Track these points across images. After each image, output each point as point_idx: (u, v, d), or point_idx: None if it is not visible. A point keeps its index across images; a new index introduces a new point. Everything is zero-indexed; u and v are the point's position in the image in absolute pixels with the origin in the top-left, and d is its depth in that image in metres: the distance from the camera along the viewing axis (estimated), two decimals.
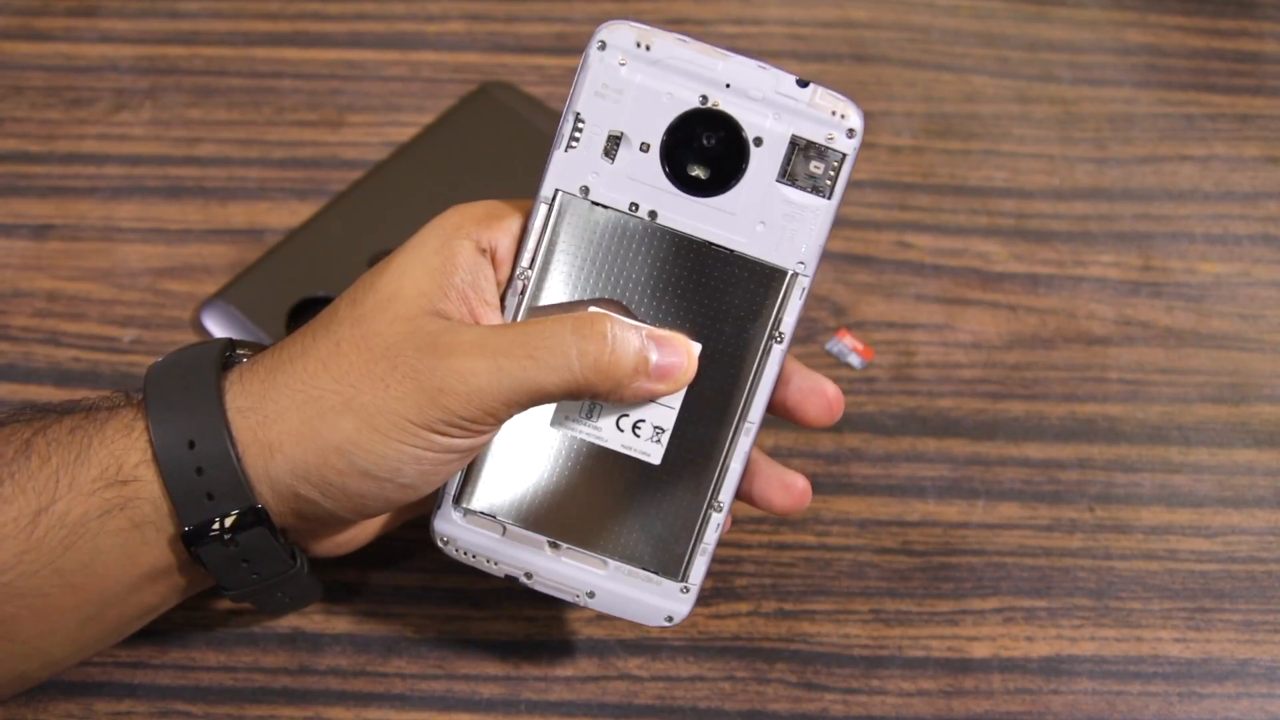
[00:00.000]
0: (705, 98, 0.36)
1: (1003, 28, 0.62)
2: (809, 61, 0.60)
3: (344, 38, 0.59)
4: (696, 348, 0.37)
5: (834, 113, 0.36)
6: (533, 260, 0.37)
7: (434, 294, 0.35)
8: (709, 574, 0.39)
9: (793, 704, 0.44)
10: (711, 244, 0.37)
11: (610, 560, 0.38)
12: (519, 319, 0.37)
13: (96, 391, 0.43)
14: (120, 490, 0.34)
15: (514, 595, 0.45)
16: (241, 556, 0.36)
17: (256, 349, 0.38)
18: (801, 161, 0.36)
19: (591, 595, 0.38)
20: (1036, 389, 0.51)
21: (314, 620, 0.44)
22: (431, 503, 0.39)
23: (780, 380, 0.38)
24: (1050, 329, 0.53)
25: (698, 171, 0.36)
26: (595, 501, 0.38)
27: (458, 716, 0.43)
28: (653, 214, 0.36)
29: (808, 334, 0.52)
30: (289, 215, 0.54)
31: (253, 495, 0.35)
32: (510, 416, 0.35)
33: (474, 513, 0.38)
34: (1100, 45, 0.61)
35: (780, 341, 0.37)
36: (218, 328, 0.50)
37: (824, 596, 0.46)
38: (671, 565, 0.38)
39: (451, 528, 0.38)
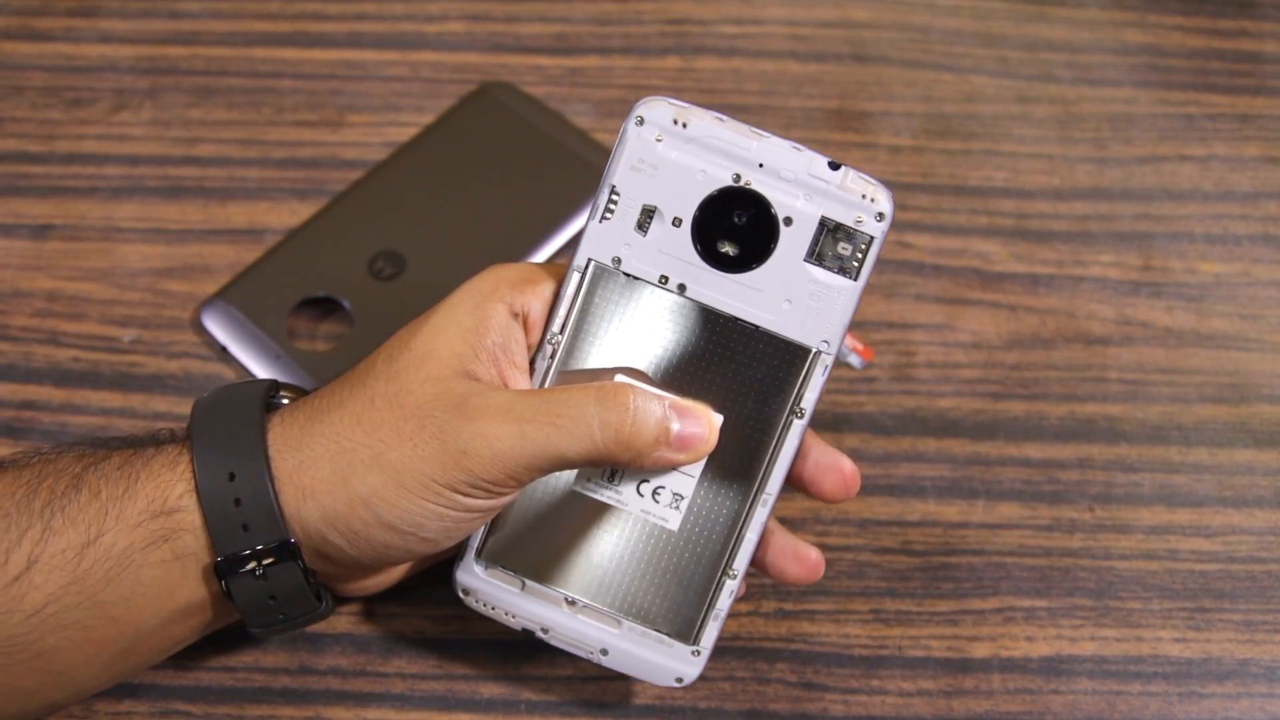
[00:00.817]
0: (738, 176, 0.36)
1: (1003, 28, 0.62)
2: (809, 61, 0.60)
3: (344, 38, 0.59)
4: (718, 419, 0.38)
5: (864, 196, 0.36)
6: (563, 326, 0.38)
7: (466, 355, 0.36)
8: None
9: (793, 704, 0.44)
10: (738, 319, 0.37)
11: (624, 620, 0.39)
12: (547, 383, 0.38)
13: (145, 426, 0.44)
14: (164, 521, 0.36)
15: None
16: (270, 593, 0.36)
17: (298, 392, 0.40)
18: (830, 242, 0.37)
19: (605, 653, 0.39)
20: (1036, 389, 0.51)
21: None
22: (455, 551, 0.40)
23: (799, 454, 0.39)
24: (1050, 329, 0.53)
25: (728, 248, 0.37)
26: (613, 563, 0.39)
27: (458, 716, 0.43)
28: (682, 287, 0.37)
29: None
30: (289, 215, 0.54)
31: (286, 530, 0.36)
32: (531, 480, 0.36)
33: (495, 567, 0.39)
34: (1100, 45, 0.61)
35: (801, 417, 0.38)
36: (218, 328, 0.50)
37: (824, 596, 0.46)
38: (684, 629, 0.39)
39: (473, 580, 0.39)
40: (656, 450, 0.36)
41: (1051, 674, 0.45)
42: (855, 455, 0.49)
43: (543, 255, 0.52)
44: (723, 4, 0.61)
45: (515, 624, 0.39)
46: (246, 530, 0.35)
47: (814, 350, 0.37)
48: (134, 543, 0.35)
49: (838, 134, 0.57)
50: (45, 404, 0.49)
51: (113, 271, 0.52)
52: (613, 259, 0.37)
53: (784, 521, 0.47)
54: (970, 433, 0.50)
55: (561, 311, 0.38)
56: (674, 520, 0.39)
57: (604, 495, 0.39)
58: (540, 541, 0.39)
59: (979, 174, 0.57)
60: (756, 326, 0.37)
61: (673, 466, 0.38)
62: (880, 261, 0.54)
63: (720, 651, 0.44)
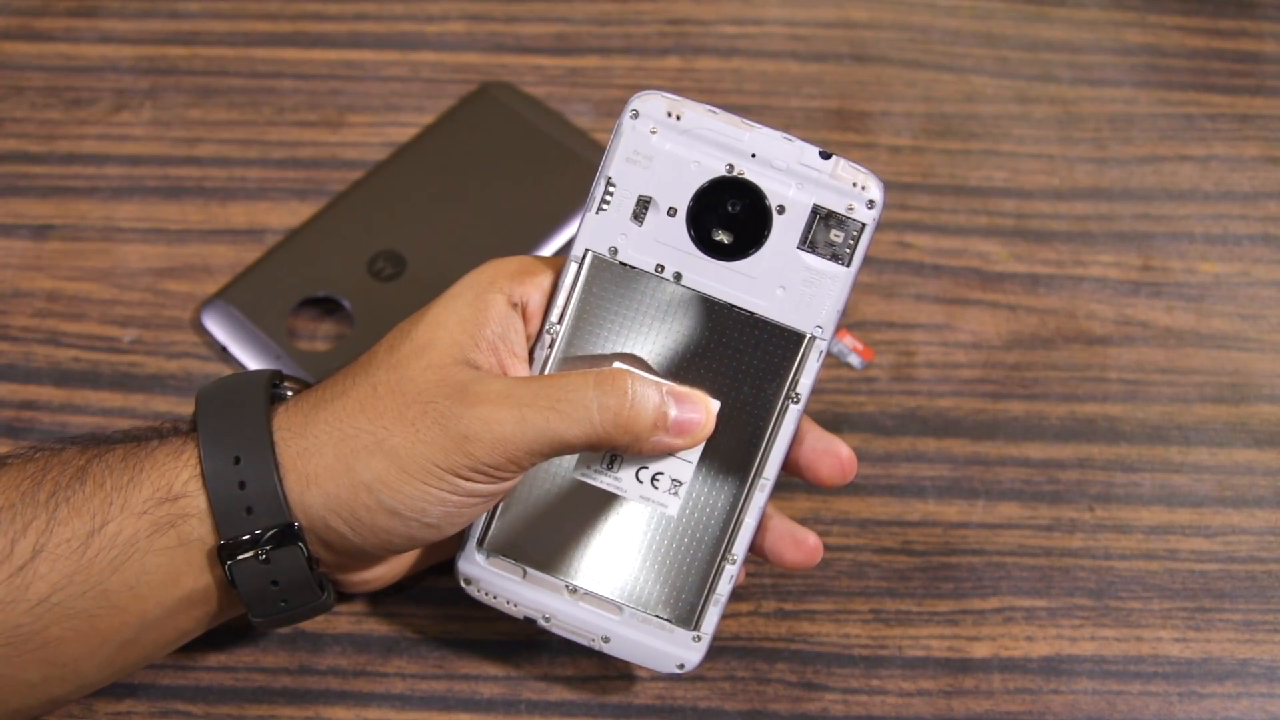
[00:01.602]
0: (731, 166, 0.37)
1: (1003, 28, 0.62)
2: (809, 61, 0.60)
3: (344, 38, 0.59)
4: (715, 405, 0.38)
5: (855, 184, 0.37)
6: (561, 315, 0.38)
7: (466, 344, 0.37)
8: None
9: (793, 704, 0.44)
10: (733, 306, 0.38)
11: (626, 606, 0.39)
12: (546, 371, 0.39)
13: (145, 422, 0.44)
14: (170, 508, 0.36)
15: None
16: (272, 578, 0.37)
17: (300, 383, 0.40)
18: (822, 230, 0.37)
19: (606, 640, 0.39)
20: (1036, 389, 0.51)
21: (314, 620, 0.44)
22: (456, 546, 0.40)
23: (795, 439, 0.39)
24: (1050, 329, 0.53)
25: (722, 236, 0.38)
26: (613, 549, 0.39)
27: (458, 716, 0.43)
28: (678, 275, 0.38)
29: None
30: (289, 215, 0.54)
31: (290, 513, 0.36)
32: (532, 465, 0.37)
33: (496, 556, 0.40)
34: (1100, 45, 0.61)
35: (796, 402, 0.38)
36: (218, 328, 0.50)
37: (824, 596, 0.46)
38: (685, 614, 0.39)
39: (475, 569, 0.40)
40: (655, 434, 0.37)
41: (1051, 674, 0.45)
42: (855, 455, 0.49)
43: (543, 255, 0.52)
44: (723, 4, 0.61)
45: (517, 613, 0.40)
46: (250, 514, 0.36)
47: (808, 336, 0.38)
48: (139, 530, 0.35)
49: (838, 134, 0.57)
50: (45, 404, 0.49)
51: (113, 271, 0.52)
52: (609, 249, 0.38)
53: None
54: (970, 433, 0.50)
55: (559, 301, 0.38)
56: (673, 506, 0.39)
57: (603, 482, 0.39)
58: (541, 530, 0.39)
59: (979, 174, 0.57)
60: (751, 313, 0.38)
61: (671, 451, 0.38)
62: (880, 261, 0.54)
63: (720, 651, 0.44)
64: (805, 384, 0.38)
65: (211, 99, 0.57)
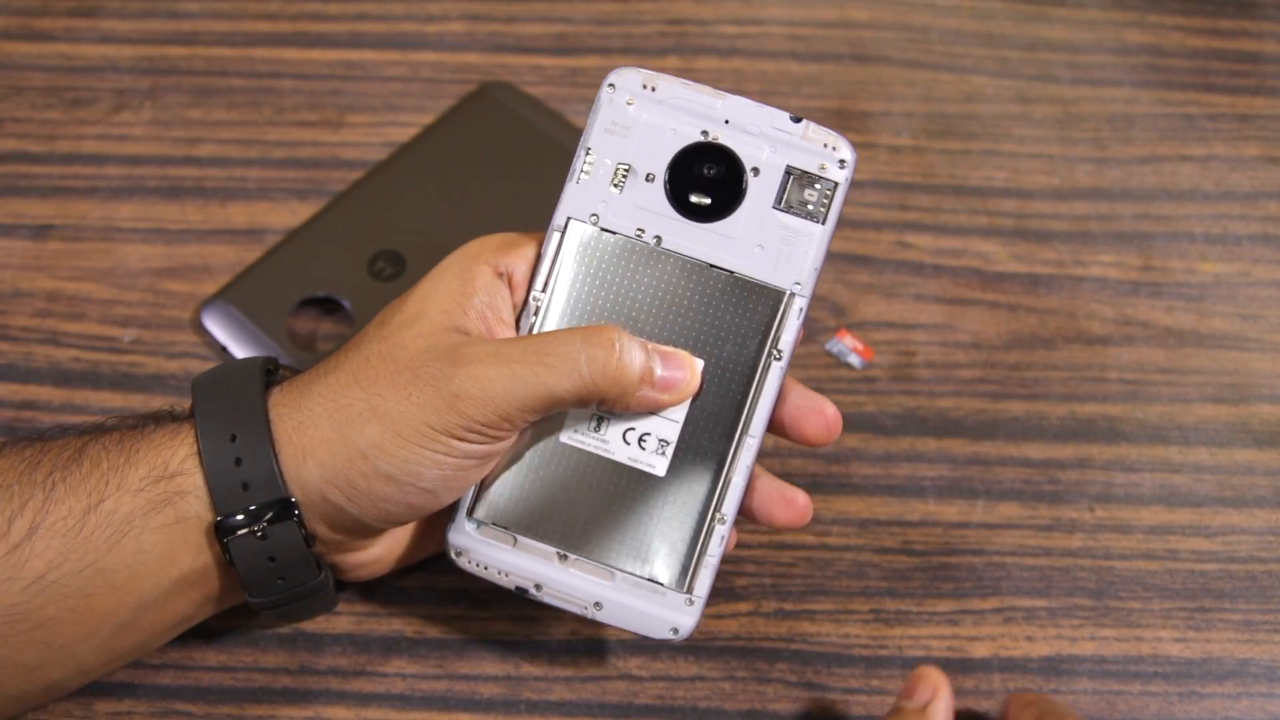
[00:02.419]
0: (706, 132, 0.39)
1: (1003, 28, 0.62)
2: (809, 62, 0.60)
3: (344, 38, 0.59)
4: (700, 363, 0.39)
5: (826, 145, 0.39)
6: (546, 283, 0.39)
7: (455, 313, 0.38)
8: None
9: (793, 704, 0.44)
10: (713, 266, 0.39)
11: (617, 571, 0.39)
12: None
13: (139, 411, 0.44)
14: (166, 485, 0.36)
15: (514, 596, 0.45)
16: (269, 554, 0.37)
17: (294, 372, 0.40)
18: (796, 189, 0.39)
19: (599, 606, 0.39)
20: (1036, 389, 0.51)
21: (314, 620, 0.44)
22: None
23: (780, 398, 0.40)
24: (1050, 329, 0.53)
25: (700, 199, 0.39)
26: (603, 514, 0.40)
27: (458, 716, 0.43)
28: (658, 239, 0.39)
29: (808, 334, 0.52)
30: (289, 215, 0.54)
31: (285, 488, 0.36)
32: (525, 422, 0.37)
33: (486, 524, 0.40)
34: (1100, 45, 0.61)
35: (779, 359, 0.39)
36: (218, 328, 0.50)
37: (824, 596, 0.46)
38: (677, 576, 0.39)
39: (465, 539, 0.40)
40: (641, 388, 0.38)
41: (1051, 674, 0.45)
42: (855, 455, 0.49)
43: None
44: (723, 4, 0.61)
45: (508, 583, 0.40)
46: (246, 489, 0.36)
47: (787, 292, 0.39)
48: (136, 507, 0.36)
49: None
50: (45, 404, 0.49)
51: (113, 271, 0.52)
52: (590, 216, 0.39)
53: None
54: (970, 433, 0.50)
55: (544, 270, 0.39)
56: (661, 466, 0.39)
57: (591, 445, 0.39)
58: (530, 497, 0.40)
59: (979, 174, 0.57)
60: (731, 273, 0.39)
61: (658, 408, 0.39)
62: (880, 261, 0.54)
63: (720, 651, 0.44)
64: (787, 340, 0.39)
65: (211, 99, 0.57)
